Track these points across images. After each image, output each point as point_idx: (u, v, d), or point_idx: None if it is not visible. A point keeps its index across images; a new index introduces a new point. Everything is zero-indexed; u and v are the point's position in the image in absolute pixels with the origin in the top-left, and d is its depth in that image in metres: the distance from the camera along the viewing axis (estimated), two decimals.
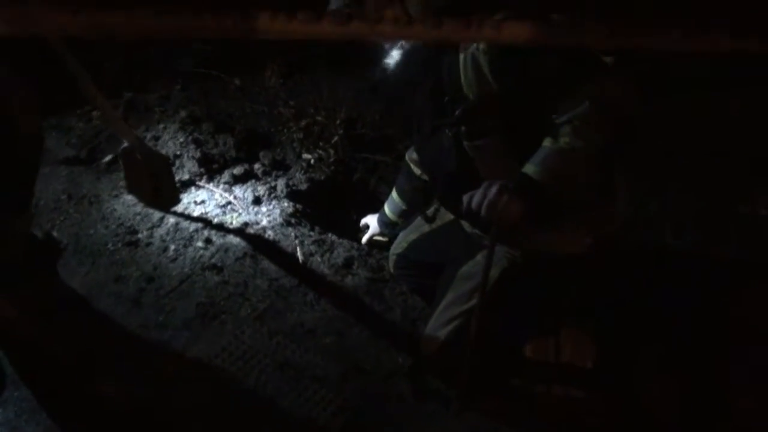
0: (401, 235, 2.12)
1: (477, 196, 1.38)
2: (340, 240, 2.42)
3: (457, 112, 1.47)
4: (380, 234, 2.30)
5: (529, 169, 1.37)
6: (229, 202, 2.49)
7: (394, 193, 2.16)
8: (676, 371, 1.67)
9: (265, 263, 2.19)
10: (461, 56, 1.43)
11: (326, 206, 2.69)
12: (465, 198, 1.42)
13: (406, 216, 2.15)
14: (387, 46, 1.58)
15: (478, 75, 1.41)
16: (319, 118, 2.93)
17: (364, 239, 2.32)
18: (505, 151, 1.48)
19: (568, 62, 1.33)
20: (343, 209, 2.71)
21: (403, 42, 1.56)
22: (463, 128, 1.49)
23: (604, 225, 1.59)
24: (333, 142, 2.86)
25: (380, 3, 1.42)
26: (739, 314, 1.76)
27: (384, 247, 2.36)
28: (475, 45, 1.40)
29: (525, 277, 1.65)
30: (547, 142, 1.38)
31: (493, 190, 1.35)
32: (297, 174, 2.74)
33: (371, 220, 2.33)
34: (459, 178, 1.57)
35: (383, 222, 2.24)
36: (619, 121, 1.34)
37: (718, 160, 2.32)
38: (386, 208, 2.20)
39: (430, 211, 1.96)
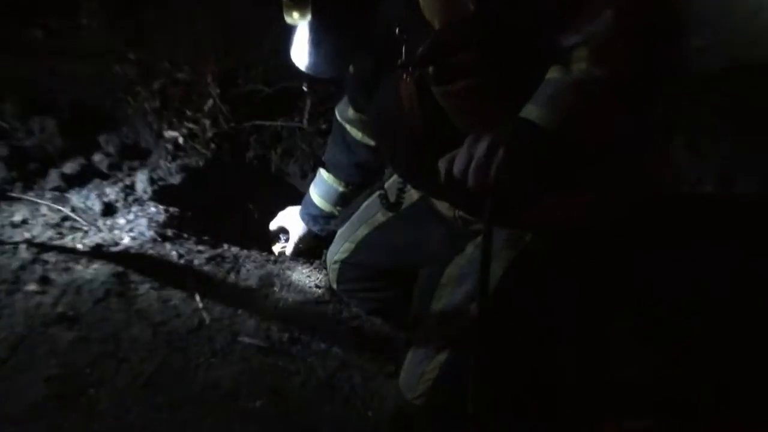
0: (342, 232, 2.09)
1: (460, 157, 1.36)
2: (247, 252, 2.34)
3: (421, 49, 1.43)
4: (308, 237, 2.27)
5: (531, 112, 1.35)
6: (66, 218, 2.34)
7: (323, 172, 2.13)
8: None
9: (142, 302, 2.07)
10: None
11: (214, 204, 2.61)
12: (442, 164, 1.40)
13: (345, 201, 2.13)
14: None
15: None
16: (180, 74, 2.84)
17: (289, 249, 2.28)
18: (492, 94, 1.46)
19: None
20: (240, 205, 2.65)
21: None
22: (430, 70, 1.46)
23: (645, 183, 1.62)
24: (207, 108, 2.78)
25: None
26: None
27: (314, 254, 2.33)
28: None
29: (542, 268, 1.67)
30: (554, 73, 1.37)
31: (483, 145, 1.32)
32: (161, 162, 2.64)
33: (290, 219, 2.29)
34: (427, 139, 1.56)
35: (311, 216, 2.21)
36: (656, 38, 1.35)
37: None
38: (314, 195, 2.17)
39: (391, 193, 1.93)
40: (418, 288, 1.87)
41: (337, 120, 2.04)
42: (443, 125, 1.52)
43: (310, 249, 2.34)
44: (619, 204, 1.59)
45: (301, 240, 2.27)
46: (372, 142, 1.98)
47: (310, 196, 2.19)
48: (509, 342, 1.69)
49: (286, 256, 2.33)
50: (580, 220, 1.60)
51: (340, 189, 2.10)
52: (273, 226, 2.34)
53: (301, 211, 2.22)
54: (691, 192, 2.32)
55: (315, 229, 2.24)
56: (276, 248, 2.36)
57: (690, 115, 2.28)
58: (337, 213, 2.16)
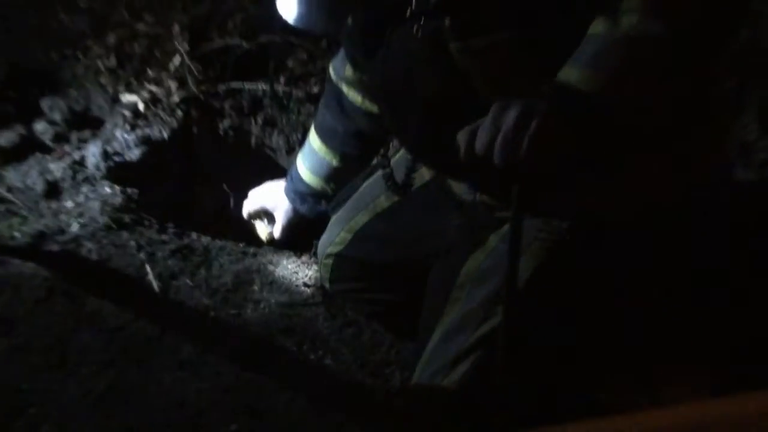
0: (336, 219, 2.09)
1: (483, 130, 1.35)
2: (220, 243, 2.34)
3: None
4: (295, 219, 2.24)
5: (571, 74, 1.35)
6: (1, 199, 2.33)
7: (314, 141, 2.11)
8: None
9: (93, 303, 2.06)
10: None
11: (181, 185, 2.61)
12: (462, 137, 1.40)
13: (340, 177, 2.12)
14: None
15: None
16: (141, 26, 2.83)
17: (278, 233, 2.26)
18: (522, 53, 1.46)
19: None
20: (213, 185, 2.64)
21: None
22: (447, 22, 1.47)
23: (702, 162, 1.61)
24: (174, 67, 2.78)
25: None
26: None
27: (302, 243, 2.32)
28: None
29: (579, 266, 1.66)
30: (598, 27, 1.37)
31: (512, 115, 1.32)
32: (118, 132, 2.61)
33: (271, 197, 2.27)
34: (444, 106, 1.56)
35: (298, 194, 2.19)
36: None
37: None
38: (302, 169, 2.15)
39: (398, 172, 1.92)
40: (429, 288, 1.86)
41: (331, 79, 2.02)
42: (463, 90, 1.52)
43: (298, 235, 2.32)
44: (668, 182, 1.60)
45: (288, 222, 2.24)
46: (374, 109, 1.95)
47: (297, 169, 2.17)
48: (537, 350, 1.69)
49: (270, 244, 2.31)
50: (625, 206, 1.60)
51: (334, 163, 2.09)
52: (250, 207, 2.31)
53: (287, 186, 2.20)
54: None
55: (302, 209, 2.21)
56: (262, 232, 2.33)
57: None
58: (330, 191, 2.14)
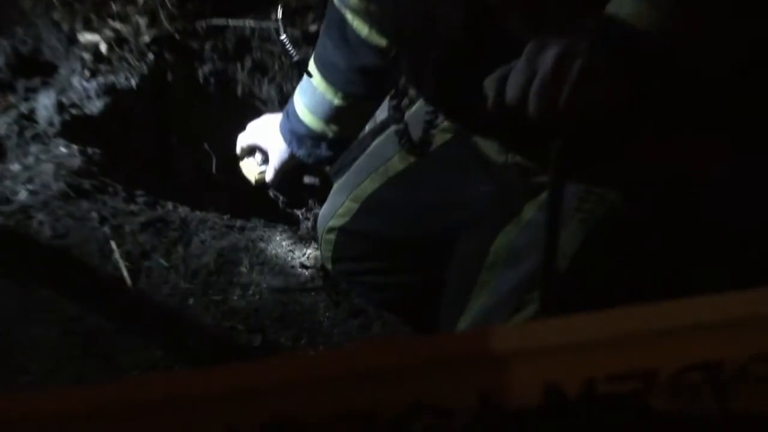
0: (340, 186, 2.09)
1: (516, 74, 1.36)
2: (201, 214, 2.36)
3: None
4: (291, 163, 2.24)
5: (622, 6, 1.33)
6: None
7: (314, 76, 2.10)
8: None
9: (47, 287, 2.07)
10: None
11: (153, 143, 2.61)
12: (490, 84, 1.41)
13: (343, 118, 2.12)
14: None
15: None
16: None
17: (269, 175, 2.25)
18: None
19: None
20: (191, 144, 2.66)
21: None
22: None
23: None
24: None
25: None
26: None
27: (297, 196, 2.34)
28: None
29: (631, 242, 1.66)
30: None
31: (550, 56, 1.31)
32: (75, 80, 2.61)
33: (267, 134, 2.27)
34: (470, 47, 1.54)
35: (295, 135, 2.18)
36: None
37: None
38: (299, 106, 2.14)
39: (414, 129, 1.92)
40: (452, 269, 1.86)
41: (333, 4, 1.99)
42: (491, 27, 1.51)
43: (292, 183, 2.35)
44: (743, 155, 1.59)
45: (282, 166, 2.24)
46: (383, 43, 1.93)
47: (294, 106, 2.15)
48: None
49: (260, 186, 2.31)
50: (681, 173, 1.60)
51: (335, 101, 2.06)
52: (243, 142, 2.31)
53: (282, 124, 2.18)
54: None
55: (299, 153, 2.19)
56: (252, 172, 2.32)
57: None
58: (331, 134, 2.12)
